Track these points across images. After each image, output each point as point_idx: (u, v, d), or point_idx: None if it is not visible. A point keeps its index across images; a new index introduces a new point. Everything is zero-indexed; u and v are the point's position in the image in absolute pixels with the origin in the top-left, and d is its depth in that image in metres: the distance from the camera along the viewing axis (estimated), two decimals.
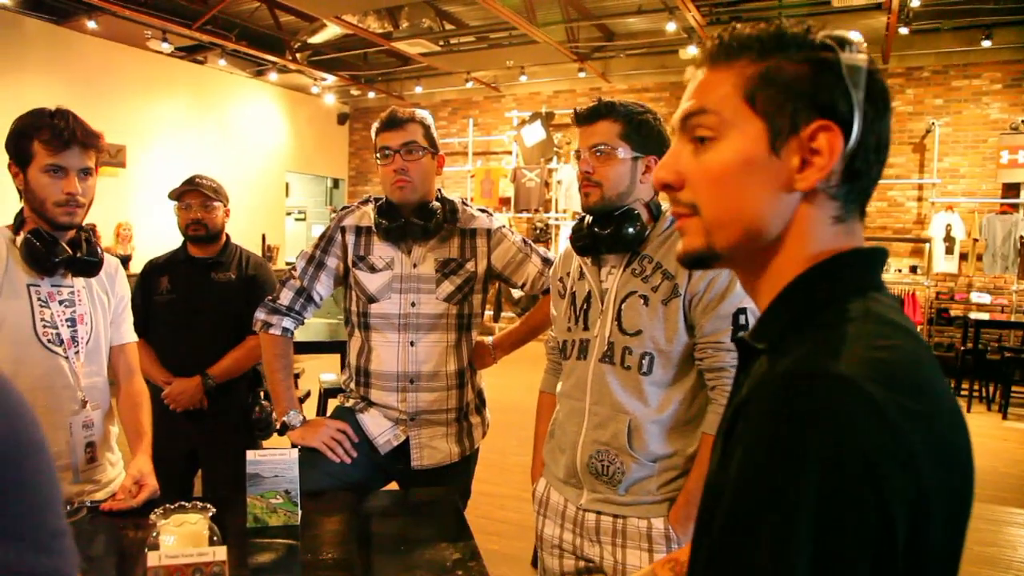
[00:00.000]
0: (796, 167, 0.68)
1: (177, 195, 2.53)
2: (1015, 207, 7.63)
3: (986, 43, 7.30)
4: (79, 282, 1.77)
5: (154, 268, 2.62)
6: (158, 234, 7.88)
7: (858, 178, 0.69)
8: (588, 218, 1.61)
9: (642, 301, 1.53)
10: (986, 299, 7.78)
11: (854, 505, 0.53)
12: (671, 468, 1.52)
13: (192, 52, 8.81)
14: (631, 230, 1.53)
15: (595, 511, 1.56)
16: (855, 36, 0.69)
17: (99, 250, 1.77)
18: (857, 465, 0.53)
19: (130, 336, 1.92)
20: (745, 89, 0.70)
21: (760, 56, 0.69)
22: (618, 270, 1.58)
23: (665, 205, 1.63)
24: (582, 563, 1.62)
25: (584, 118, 1.57)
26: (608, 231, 1.54)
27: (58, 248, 1.67)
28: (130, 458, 1.79)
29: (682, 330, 1.51)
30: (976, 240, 7.76)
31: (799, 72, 0.67)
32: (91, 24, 7.18)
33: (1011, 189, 7.71)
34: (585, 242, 1.60)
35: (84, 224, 1.74)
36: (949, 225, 7.82)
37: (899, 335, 0.63)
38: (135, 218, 8.23)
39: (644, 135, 1.56)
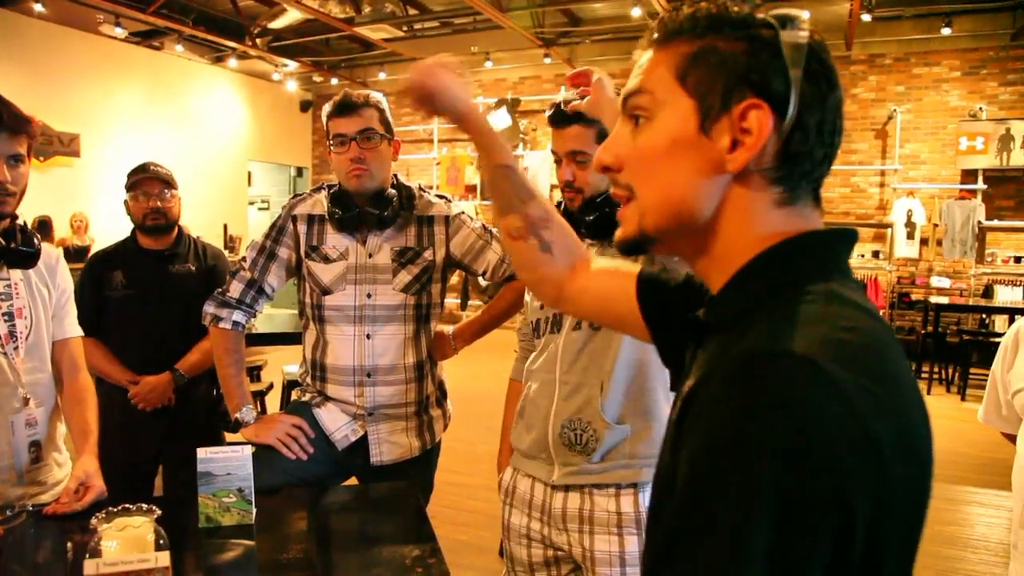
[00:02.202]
0: (727, 147, 0.66)
1: (132, 184, 2.43)
2: (973, 193, 7.78)
3: (945, 31, 7.42)
4: (15, 274, 1.69)
5: (104, 261, 2.50)
6: (117, 225, 7.68)
7: (797, 161, 0.66)
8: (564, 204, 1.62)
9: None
10: (946, 283, 7.95)
11: (815, 496, 0.51)
12: (644, 428, 1.51)
13: (147, 37, 8.58)
14: (615, 216, 1.52)
15: (564, 486, 1.54)
16: (800, 14, 0.66)
17: (35, 240, 1.68)
18: (820, 455, 0.51)
19: (74, 330, 1.84)
20: (678, 68, 0.68)
21: (697, 35, 0.68)
22: (593, 249, 1.57)
23: None
24: (551, 552, 1.60)
25: (558, 120, 1.56)
26: (591, 217, 1.55)
27: None
28: (76, 458, 1.72)
29: None
30: (936, 225, 7.92)
31: (734, 50, 0.65)
32: (38, 7, 6.94)
33: (969, 175, 7.87)
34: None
35: (17, 214, 1.65)
36: (910, 210, 7.96)
37: (863, 317, 0.60)
38: (92, 209, 8.00)
39: None
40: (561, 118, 1.54)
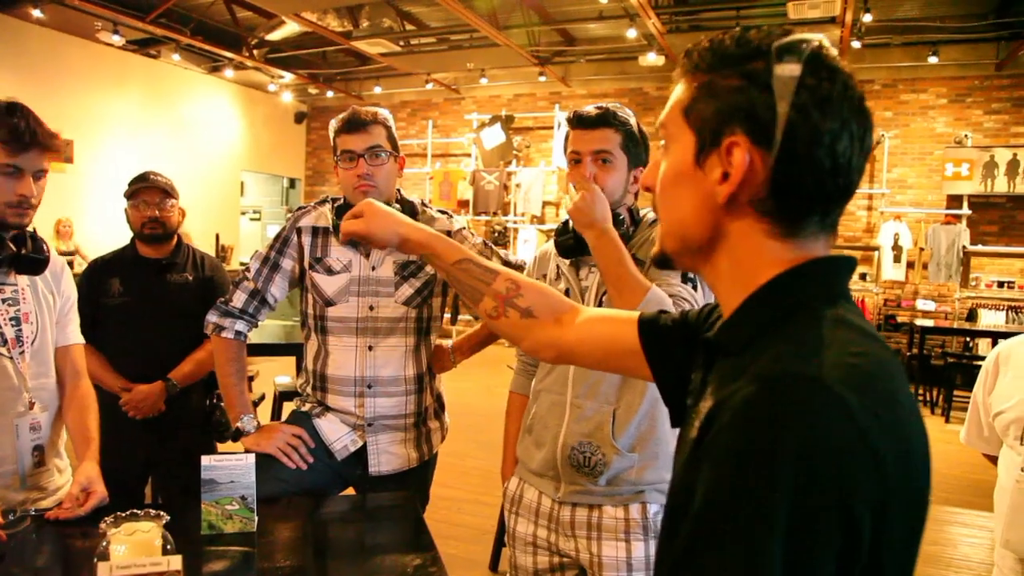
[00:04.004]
0: (717, 180, 0.69)
1: (132, 192, 2.45)
2: (958, 218, 7.90)
3: (933, 59, 7.56)
4: (23, 280, 1.71)
5: (101, 268, 2.51)
6: (107, 232, 7.66)
7: (789, 194, 0.67)
8: (572, 221, 1.63)
9: None
10: (931, 306, 8.05)
11: (825, 506, 0.54)
12: (651, 457, 1.55)
13: (145, 46, 8.60)
14: (619, 232, 1.56)
15: (571, 503, 1.58)
16: (811, 40, 0.67)
17: (45, 247, 1.71)
18: (828, 467, 0.54)
19: (76, 337, 1.86)
20: (685, 103, 0.72)
21: (703, 71, 0.71)
22: (598, 269, 1.61)
23: (644, 210, 1.69)
24: (556, 559, 1.63)
25: (589, 122, 1.58)
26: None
27: (2, 245, 1.61)
28: (78, 464, 1.73)
29: None
30: (922, 249, 8.03)
31: (729, 85, 0.68)
32: (36, 13, 6.96)
33: (955, 200, 7.99)
34: (571, 243, 1.61)
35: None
36: (897, 234, 8.07)
37: (867, 342, 0.64)
38: (84, 216, 7.98)
39: (637, 147, 1.62)
40: (596, 119, 1.58)
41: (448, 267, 1.12)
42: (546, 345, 1.06)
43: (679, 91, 0.74)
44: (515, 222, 9.79)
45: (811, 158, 0.65)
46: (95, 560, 1.22)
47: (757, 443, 0.57)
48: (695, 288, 1.52)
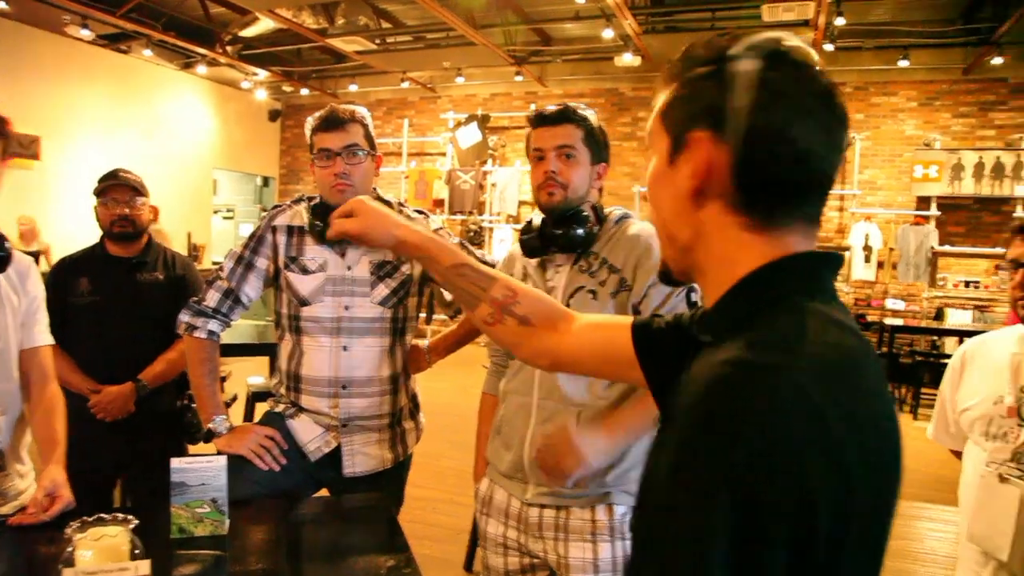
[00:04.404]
0: (687, 176, 0.71)
1: (101, 190, 2.40)
2: (927, 219, 8.04)
3: (903, 63, 7.68)
4: None
5: (69, 267, 2.46)
6: (76, 231, 7.51)
7: (755, 188, 0.68)
8: (536, 220, 1.64)
9: (591, 295, 1.57)
10: (900, 306, 8.18)
11: (776, 499, 0.54)
12: (619, 459, 1.54)
13: (115, 41, 8.45)
14: (581, 231, 1.59)
15: (539, 504, 1.58)
16: (779, 36, 0.68)
17: (7, 245, 1.66)
18: (782, 459, 0.54)
19: (44, 339, 1.82)
20: (663, 110, 0.75)
21: (675, 77, 0.74)
22: (565, 267, 1.63)
23: (608, 208, 1.70)
24: (527, 559, 1.63)
25: (551, 119, 1.61)
26: (562, 231, 1.58)
27: None
28: (43, 468, 1.69)
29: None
30: (892, 249, 8.16)
31: (697, 86, 0.70)
32: (2, 4, 6.81)
33: (923, 202, 8.13)
34: (536, 243, 1.62)
35: None
36: (867, 234, 8.20)
37: (840, 333, 0.64)
38: (51, 214, 7.82)
39: (598, 143, 1.64)
40: (558, 115, 1.60)
41: (444, 271, 1.08)
42: (542, 353, 1.05)
43: (659, 100, 0.76)
44: (491, 222, 9.78)
45: (769, 148, 0.66)
46: (60, 567, 1.20)
47: (712, 427, 0.57)
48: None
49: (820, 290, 0.69)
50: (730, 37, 0.70)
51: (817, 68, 0.68)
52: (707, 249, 0.73)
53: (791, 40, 0.69)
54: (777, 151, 0.66)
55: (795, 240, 0.70)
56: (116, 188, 2.39)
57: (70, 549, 1.23)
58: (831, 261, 0.71)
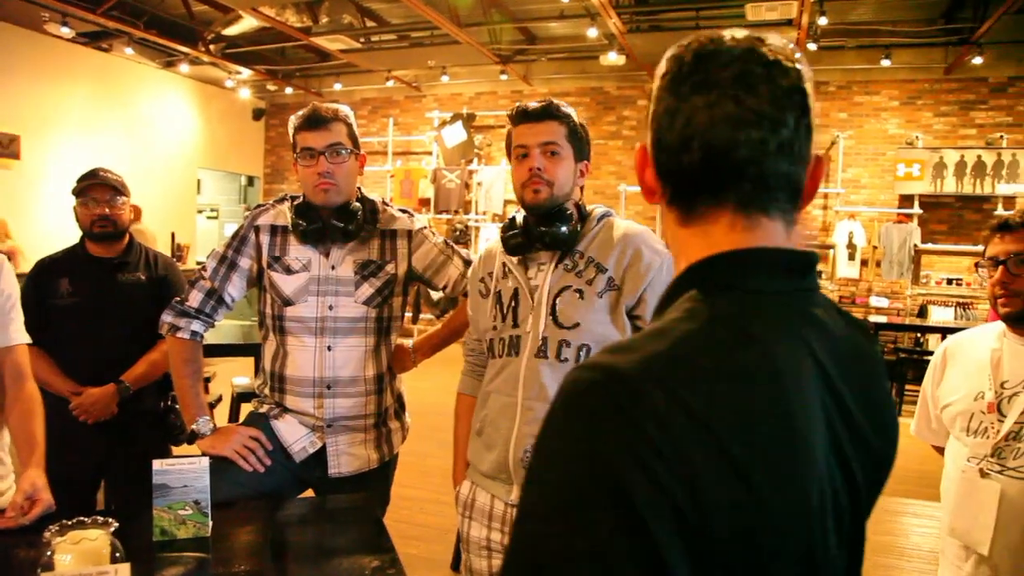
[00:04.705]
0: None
1: (80, 190, 2.37)
2: (910, 217, 8.12)
3: (885, 62, 7.74)
4: None
5: (50, 267, 2.43)
6: (58, 231, 7.43)
7: (671, 181, 0.69)
8: (519, 217, 1.63)
9: (578, 295, 1.57)
10: (884, 303, 8.26)
11: (590, 504, 0.51)
12: None
13: (96, 39, 8.35)
14: (565, 229, 1.58)
15: None
16: (718, 34, 0.67)
17: None
18: (597, 463, 0.52)
19: (20, 337, 1.79)
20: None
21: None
22: (548, 266, 1.61)
23: (591, 206, 1.69)
24: None
25: (534, 115, 1.60)
26: (546, 229, 1.58)
27: None
28: (22, 470, 1.67)
29: (622, 319, 1.56)
30: (875, 247, 8.22)
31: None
32: None
33: (906, 200, 8.20)
34: (519, 240, 1.61)
35: None
36: (851, 232, 8.25)
37: (720, 333, 0.60)
38: (32, 214, 7.73)
39: (581, 140, 1.64)
40: (542, 112, 1.59)
41: None
42: None
43: None
44: (476, 220, 9.76)
45: (660, 138, 0.68)
46: (39, 571, 1.18)
47: (545, 431, 0.57)
48: None
49: (739, 288, 0.64)
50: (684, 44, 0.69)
51: (738, 54, 0.64)
52: (672, 249, 0.74)
53: (734, 33, 0.67)
54: (663, 139, 0.67)
55: (722, 234, 0.66)
56: (96, 187, 2.36)
57: (49, 553, 1.22)
58: (778, 258, 0.66)
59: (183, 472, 1.53)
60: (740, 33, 0.67)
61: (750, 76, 0.63)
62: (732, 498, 0.53)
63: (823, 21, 6.72)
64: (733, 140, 0.63)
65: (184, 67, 9.16)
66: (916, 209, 8.10)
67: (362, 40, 8.28)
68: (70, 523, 1.26)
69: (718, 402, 0.55)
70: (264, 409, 1.96)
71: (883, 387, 0.73)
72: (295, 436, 1.91)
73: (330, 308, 1.90)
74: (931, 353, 6.98)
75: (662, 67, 0.69)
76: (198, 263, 9.37)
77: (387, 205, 2.02)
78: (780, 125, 0.64)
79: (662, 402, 0.53)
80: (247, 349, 3.81)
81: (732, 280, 0.64)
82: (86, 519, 1.28)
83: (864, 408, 0.67)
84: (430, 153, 10.16)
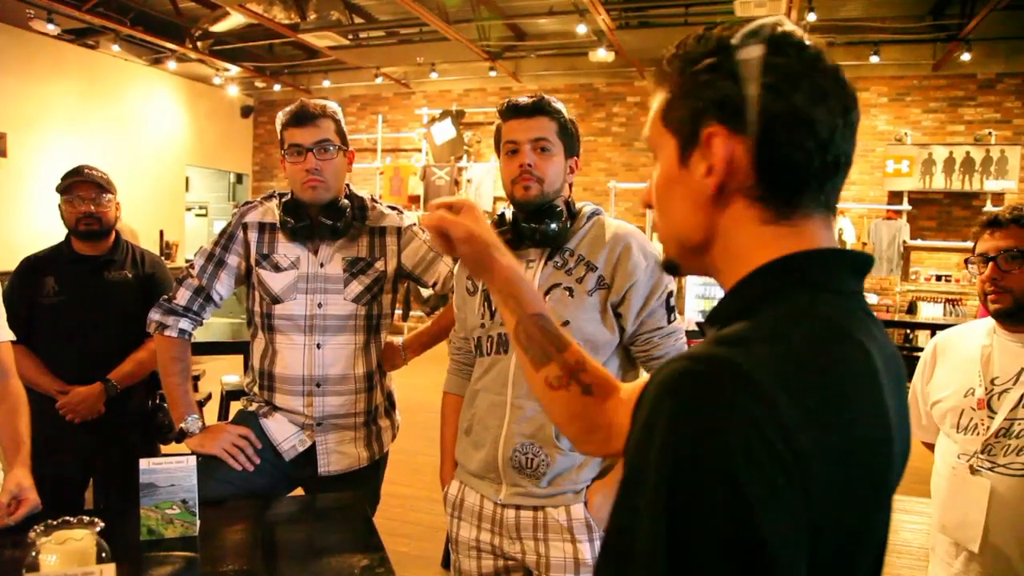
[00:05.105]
0: (703, 174, 0.68)
1: (65, 187, 2.35)
2: (899, 213, 8.16)
3: (874, 59, 7.77)
4: None
5: (35, 266, 2.40)
6: (46, 229, 7.36)
7: (775, 176, 0.66)
8: (509, 214, 1.62)
9: (567, 293, 1.55)
10: (873, 299, 8.30)
11: (709, 505, 0.51)
12: (595, 458, 1.54)
13: (82, 36, 8.28)
14: (555, 226, 1.56)
15: (514, 505, 1.56)
16: (773, 20, 0.67)
17: None
18: (713, 463, 0.51)
19: (3, 335, 1.77)
20: (662, 110, 0.72)
21: (672, 76, 0.71)
22: (538, 264, 1.60)
23: (580, 204, 1.68)
24: (502, 562, 1.61)
25: (525, 111, 1.57)
26: (536, 226, 1.56)
27: None
28: (8, 470, 1.65)
29: (611, 319, 1.55)
30: (865, 244, 8.26)
31: (698, 82, 0.68)
32: None
33: (895, 196, 8.24)
34: (508, 237, 1.60)
35: None
36: (841, 229, 8.28)
37: (835, 338, 0.62)
38: (19, 211, 7.65)
39: (571, 136, 1.61)
40: (532, 108, 1.57)
41: (524, 316, 0.99)
42: (600, 429, 0.98)
43: (656, 103, 0.73)
44: None
45: (791, 135, 0.64)
46: (23, 571, 1.17)
47: (651, 423, 0.55)
48: None
49: (829, 289, 0.65)
50: (723, 28, 0.68)
51: (819, 49, 0.67)
52: (724, 247, 0.70)
53: (787, 24, 0.67)
54: (799, 137, 0.64)
55: (814, 231, 0.68)
56: (81, 185, 2.34)
57: (34, 553, 1.20)
58: (852, 260, 0.68)
59: (170, 471, 1.52)
60: (788, 23, 0.67)
61: (840, 74, 0.68)
62: (838, 492, 0.56)
63: (812, 17, 6.74)
64: (851, 141, 0.67)
65: (172, 64, 9.08)
66: (905, 205, 8.14)
67: (350, 37, 8.25)
68: (55, 523, 1.25)
69: (831, 401, 0.57)
70: (253, 407, 1.95)
71: (906, 387, 0.75)
72: (285, 434, 1.89)
73: (319, 306, 1.89)
74: (921, 350, 7.00)
75: (754, 52, 0.65)
76: (187, 260, 9.31)
77: (376, 202, 2.00)
78: (856, 122, 0.68)
79: (781, 399, 0.54)
80: (236, 347, 3.80)
81: (826, 279, 0.66)
82: (72, 519, 1.26)
83: (899, 405, 0.69)
84: (419, 150, 10.13)
